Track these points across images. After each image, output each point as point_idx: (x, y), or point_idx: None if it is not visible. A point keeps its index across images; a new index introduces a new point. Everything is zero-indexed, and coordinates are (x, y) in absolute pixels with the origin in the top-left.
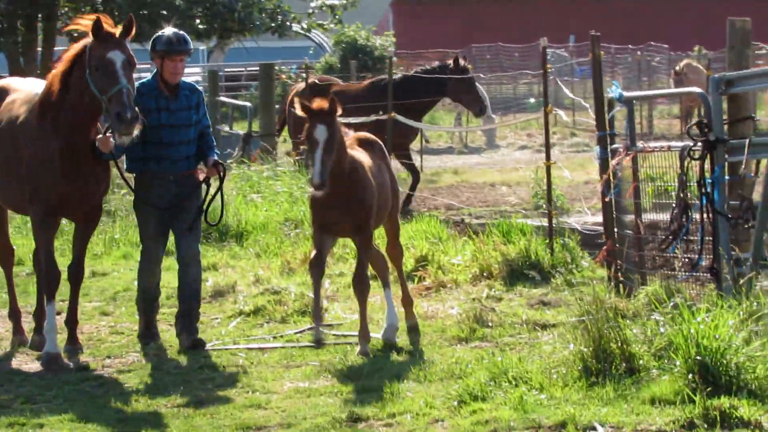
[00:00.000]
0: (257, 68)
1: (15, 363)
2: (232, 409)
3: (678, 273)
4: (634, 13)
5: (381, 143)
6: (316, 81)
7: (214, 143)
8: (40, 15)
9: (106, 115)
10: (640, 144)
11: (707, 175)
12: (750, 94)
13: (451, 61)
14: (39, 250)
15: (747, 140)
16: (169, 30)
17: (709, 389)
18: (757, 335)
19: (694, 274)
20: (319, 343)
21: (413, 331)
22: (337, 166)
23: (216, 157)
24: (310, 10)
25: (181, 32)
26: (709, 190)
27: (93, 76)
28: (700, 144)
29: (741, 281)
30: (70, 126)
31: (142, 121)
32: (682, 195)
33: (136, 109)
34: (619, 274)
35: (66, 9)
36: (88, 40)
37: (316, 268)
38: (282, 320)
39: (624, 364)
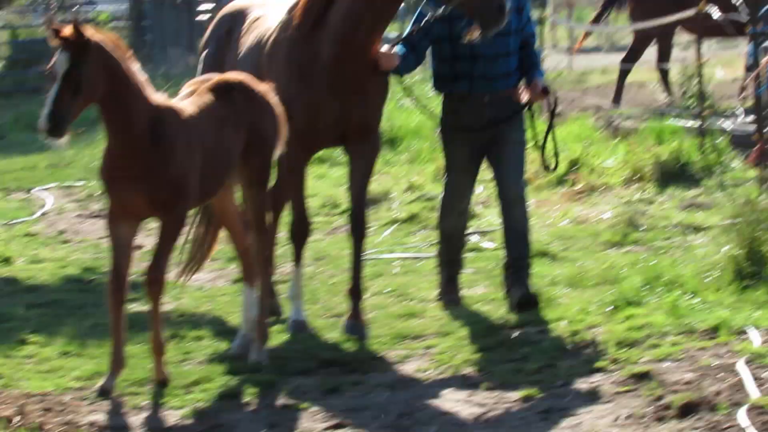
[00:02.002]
0: None
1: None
2: (389, 318)
3: None
4: None
5: (255, 90)
6: None
7: (540, 57)
8: None
9: (457, 5)
10: None
11: None
12: None
13: None
14: (292, 193)
15: None
16: None
17: None
18: None
19: None
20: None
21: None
22: (115, 116)
23: (542, 78)
24: None
25: None
26: None
27: None
28: None
29: None
30: (349, 27)
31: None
32: None
33: None
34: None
35: None
36: None
37: (115, 291)
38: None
39: None
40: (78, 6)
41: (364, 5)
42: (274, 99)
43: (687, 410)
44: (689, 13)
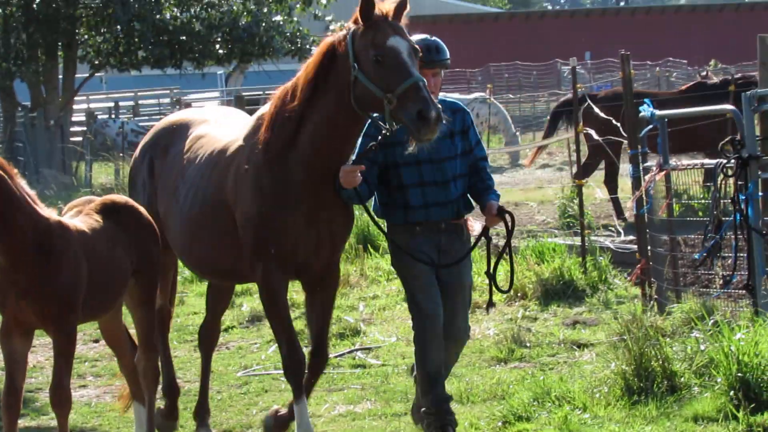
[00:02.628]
0: (270, 90)
1: None
2: None
3: (712, 290)
4: (648, 28)
5: (141, 212)
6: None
7: (493, 180)
8: (60, 43)
9: (391, 118)
10: (672, 161)
11: (741, 191)
12: None
13: None
14: (277, 327)
15: None
16: (417, 37)
17: (752, 406)
18: None
19: (729, 290)
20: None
21: None
22: (1, 229)
23: (497, 200)
24: (330, 33)
25: (433, 38)
26: (742, 206)
27: (369, 70)
28: (733, 161)
29: None
30: (317, 149)
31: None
32: (716, 212)
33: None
34: (653, 292)
35: (86, 36)
36: (344, 31)
37: (9, 406)
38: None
39: (665, 382)
40: None
41: (331, 125)
42: (151, 221)
43: None
44: (568, 135)
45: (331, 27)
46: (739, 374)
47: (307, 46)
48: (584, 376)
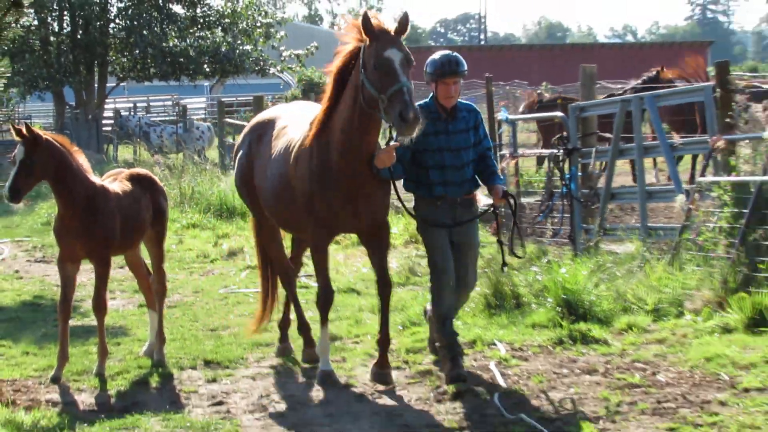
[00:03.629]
0: (246, 97)
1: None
2: (250, 332)
3: (546, 239)
4: (501, 59)
5: (154, 180)
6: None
7: (497, 166)
8: (96, 62)
9: (385, 115)
10: (520, 151)
11: (567, 172)
12: (594, 117)
13: None
14: (317, 269)
15: (593, 149)
16: (440, 53)
17: (572, 318)
18: (602, 281)
19: (557, 240)
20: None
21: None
22: (62, 190)
23: (502, 184)
24: (283, 57)
25: (454, 54)
26: (568, 182)
27: (370, 76)
28: (562, 151)
29: (590, 244)
30: (346, 139)
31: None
32: (549, 185)
33: (418, 109)
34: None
35: (114, 57)
36: (359, 43)
37: (63, 310)
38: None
39: (513, 301)
40: (19, 120)
41: (352, 118)
42: (163, 188)
43: (457, 395)
44: None
45: (285, 53)
46: (563, 296)
47: (267, 68)
48: None
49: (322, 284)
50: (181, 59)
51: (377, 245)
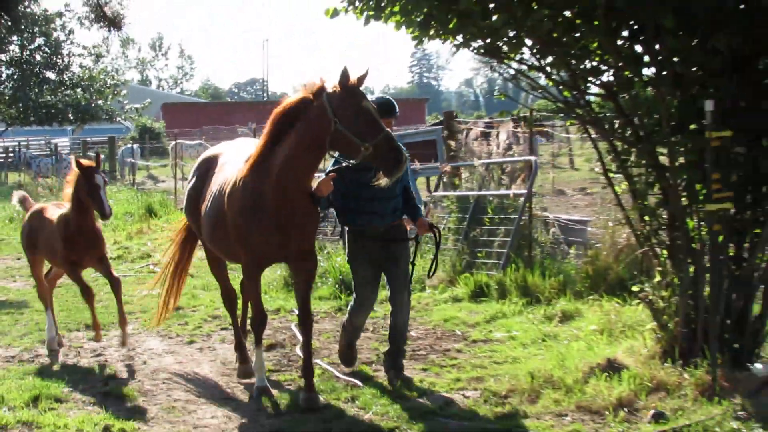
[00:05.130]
0: (100, 137)
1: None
2: (152, 324)
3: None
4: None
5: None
6: None
7: (416, 200)
8: None
9: (373, 160)
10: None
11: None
12: None
13: None
14: (251, 296)
15: None
16: (377, 96)
17: (347, 292)
18: None
19: (333, 237)
20: None
21: None
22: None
23: (423, 216)
24: (126, 110)
25: (388, 97)
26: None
27: (348, 124)
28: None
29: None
30: (285, 176)
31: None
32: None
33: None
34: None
35: (4, 109)
36: (307, 92)
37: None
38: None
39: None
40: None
41: (298, 154)
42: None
43: (271, 347)
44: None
45: (127, 106)
46: (340, 277)
47: (114, 117)
48: (265, 276)
49: (256, 310)
50: (53, 111)
51: (304, 276)
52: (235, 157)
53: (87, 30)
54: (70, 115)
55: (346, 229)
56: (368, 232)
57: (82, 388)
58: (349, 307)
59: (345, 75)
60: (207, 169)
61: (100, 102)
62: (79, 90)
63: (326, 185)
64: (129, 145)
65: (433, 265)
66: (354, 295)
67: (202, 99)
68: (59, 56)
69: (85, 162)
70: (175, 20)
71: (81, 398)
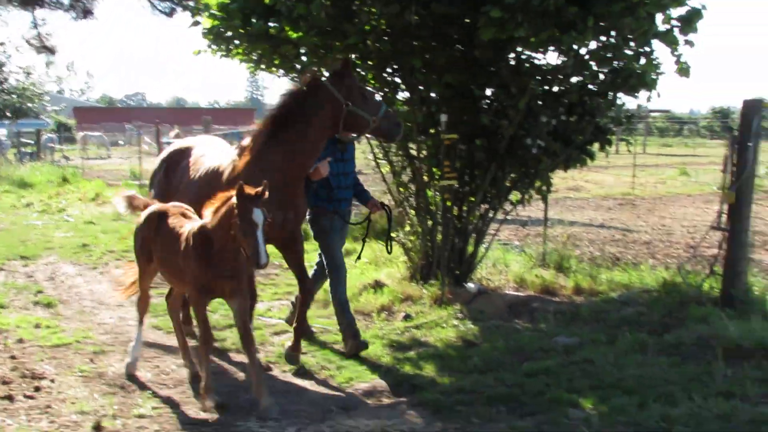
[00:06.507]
0: (29, 129)
1: None
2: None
3: None
4: (109, 114)
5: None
6: None
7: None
8: None
9: (378, 128)
10: None
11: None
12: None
13: None
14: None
15: None
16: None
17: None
18: None
19: None
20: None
21: None
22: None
23: (372, 198)
24: (48, 110)
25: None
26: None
27: (360, 104)
28: None
29: None
30: (292, 158)
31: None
32: None
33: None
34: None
35: None
36: (306, 80)
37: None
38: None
39: None
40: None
41: (306, 143)
42: None
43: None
44: None
45: (48, 108)
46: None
47: (39, 115)
48: None
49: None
50: None
51: (294, 249)
52: (212, 150)
53: (21, 54)
54: (8, 113)
55: (314, 211)
56: (339, 214)
57: (20, 299)
58: (329, 284)
59: (347, 64)
60: (178, 161)
61: (29, 104)
62: (14, 96)
63: (324, 168)
64: (50, 135)
65: (389, 242)
66: (329, 268)
67: (101, 104)
68: (1, 73)
69: (248, 189)
70: (82, 47)
71: (19, 306)
